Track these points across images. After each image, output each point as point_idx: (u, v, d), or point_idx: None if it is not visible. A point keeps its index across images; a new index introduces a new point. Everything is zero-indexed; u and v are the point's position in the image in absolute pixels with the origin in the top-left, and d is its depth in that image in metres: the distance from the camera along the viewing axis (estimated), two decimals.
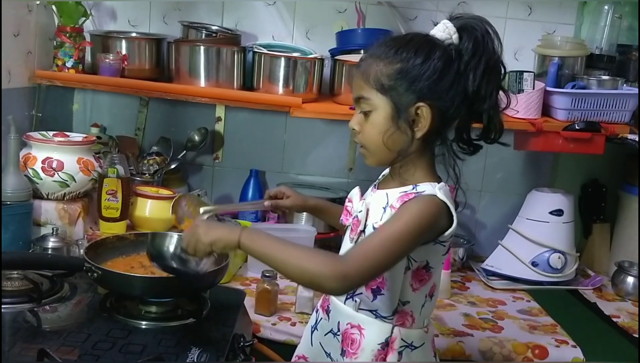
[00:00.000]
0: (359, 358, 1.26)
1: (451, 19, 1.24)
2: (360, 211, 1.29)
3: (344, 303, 1.30)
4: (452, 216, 1.21)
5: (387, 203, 1.24)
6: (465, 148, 1.29)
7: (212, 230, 1.20)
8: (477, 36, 1.22)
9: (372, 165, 1.29)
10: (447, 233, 1.22)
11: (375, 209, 1.27)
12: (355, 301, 1.28)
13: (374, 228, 1.25)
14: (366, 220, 1.27)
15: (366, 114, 1.25)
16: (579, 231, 2.39)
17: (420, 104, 1.21)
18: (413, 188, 1.23)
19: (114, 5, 2.34)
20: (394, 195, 1.24)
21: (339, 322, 1.31)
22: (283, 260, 1.15)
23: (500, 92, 1.27)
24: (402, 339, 1.26)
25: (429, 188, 1.22)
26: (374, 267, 1.14)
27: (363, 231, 1.27)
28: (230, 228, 1.19)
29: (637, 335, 1.85)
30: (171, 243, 1.38)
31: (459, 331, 1.79)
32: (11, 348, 1.20)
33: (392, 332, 1.26)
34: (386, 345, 1.26)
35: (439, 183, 1.25)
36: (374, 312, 1.27)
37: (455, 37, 1.23)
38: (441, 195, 1.21)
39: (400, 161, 1.25)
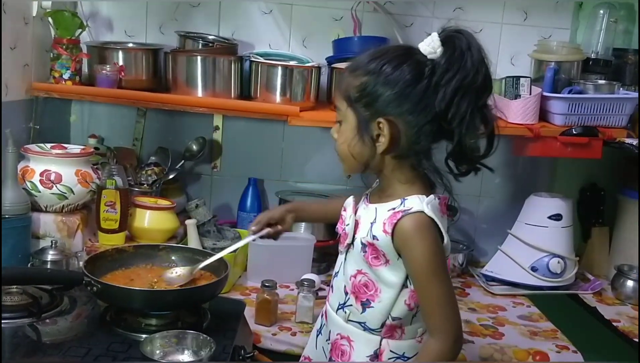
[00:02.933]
0: None
1: (442, 31, 1.18)
2: (348, 224, 1.29)
3: (336, 313, 1.31)
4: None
5: (375, 218, 1.23)
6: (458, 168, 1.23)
7: None
8: (455, 53, 1.15)
9: (347, 173, 1.31)
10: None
11: (363, 224, 1.26)
12: (346, 312, 1.28)
13: (362, 243, 1.24)
14: (354, 234, 1.27)
15: (340, 123, 1.28)
16: (578, 235, 2.39)
17: (381, 119, 1.19)
18: (401, 203, 1.20)
19: (110, 16, 2.34)
20: (383, 211, 1.22)
21: (330, 331, 1.32)
22: None
23: (488, 115, 1.18)
24: (391, 351, 1.26)
25: (416, 202, 1.19)
26: (454, 314, 1.19)
27: (351, 244, 1.28)
28: None
29: (637, 340, 1.85)
30: None
31: None
32: None
33: (380, 344, 1.25)
34: (375, 357, 1.25)
35: (427, 195, 1.20)
36: (362, 324, 1.26)
37: (439, 51, 1.16)
38: (429, 211, 1.17)
39: (370, 171, 1.27)
